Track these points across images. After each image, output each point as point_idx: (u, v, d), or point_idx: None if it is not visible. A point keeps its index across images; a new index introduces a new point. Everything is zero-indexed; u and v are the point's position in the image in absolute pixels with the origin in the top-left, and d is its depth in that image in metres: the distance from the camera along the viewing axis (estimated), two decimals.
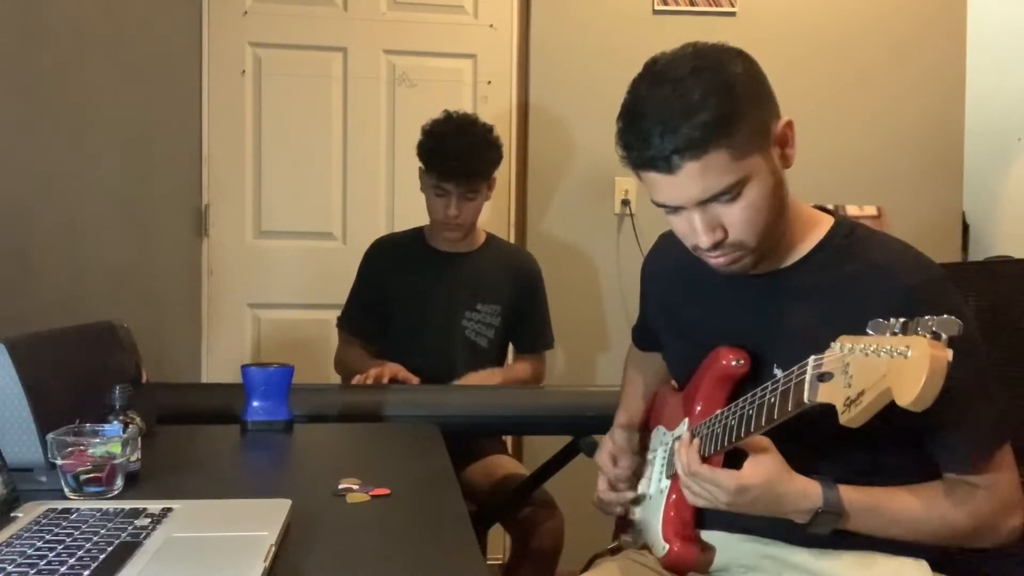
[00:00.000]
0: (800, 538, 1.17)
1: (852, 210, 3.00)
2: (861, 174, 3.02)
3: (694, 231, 1.13)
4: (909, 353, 0.83)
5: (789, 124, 1.14)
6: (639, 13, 2.94)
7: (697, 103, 1.05)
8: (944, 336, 0.84)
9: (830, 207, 1.27)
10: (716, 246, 1.13)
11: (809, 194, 1.23)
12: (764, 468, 1.09)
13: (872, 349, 0.87)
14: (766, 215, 1.12)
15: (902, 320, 0.87)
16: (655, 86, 1.09)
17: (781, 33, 2.96)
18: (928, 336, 0.84)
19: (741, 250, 1.14)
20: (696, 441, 1.16)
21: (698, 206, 1.11)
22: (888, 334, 0.87)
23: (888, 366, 0.84)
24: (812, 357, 0.96)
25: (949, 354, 0.83)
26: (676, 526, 1.24)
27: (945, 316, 0.85)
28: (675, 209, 1.14)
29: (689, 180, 1.08)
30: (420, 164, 2.23)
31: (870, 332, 0.89)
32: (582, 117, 2.92)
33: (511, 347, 2.41)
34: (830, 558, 1.16)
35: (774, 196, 1.12)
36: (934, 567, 1.16)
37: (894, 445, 1.13)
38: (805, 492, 1.10)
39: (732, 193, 1.09)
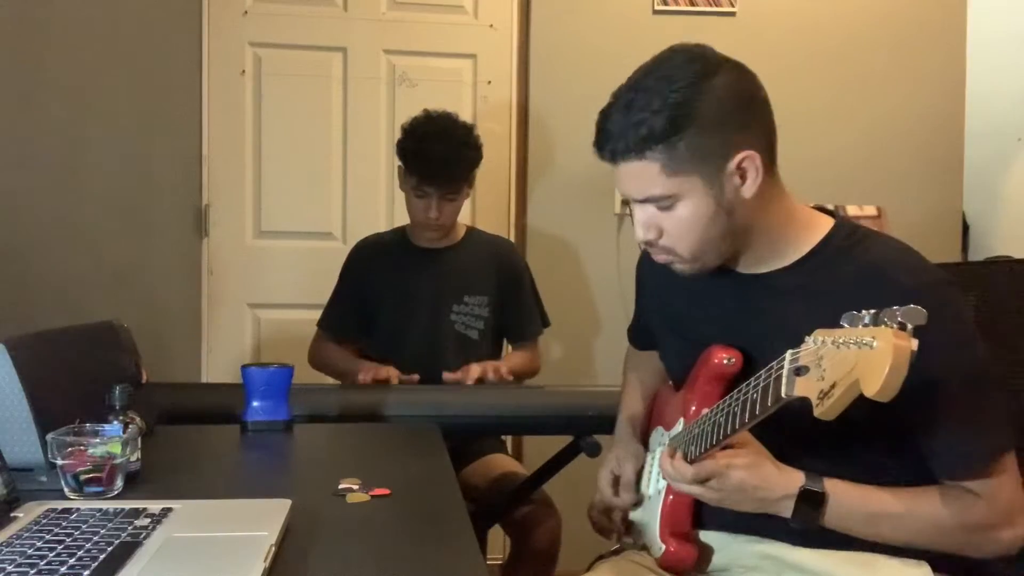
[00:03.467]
0: (800, 538, 1.16)
1: (852, 210, 3.00)
2: (861, 174, 3.02)
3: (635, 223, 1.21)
4: (875, 344, 0.83)
5: (749, 158, 1.13)
6: (639, 13, 2.94)
7: (647, 115, 1.12)
8: (909, 326, 0.84)
9: (830, 207, 1.27)
10: (649, 244, 1.21)
11: (809, 194, 1.24)
12: (748, 450, 1.12)
13: (843, 341, 0.88)
14: (699, 235, 1.17)
15: (872, 312, 0.88)
16: (632, 84, 1.16)
17: (781, 33, 2.96)
18: (894, 326, 0.84)
19: (672, 255, 1.20)
20: (679, 454, 1.17)
21: (638, 203, 1.19)
22: (860, 326, 0.88)
23: (857, 357, 0.85)
24: (789, 351, 0.97)
25: (914, 344, 0.83)
26: (673, 526, 1.25)
27: (911, 306, 0.85)
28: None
29: (623, 177, 1.18)
30: (399, 162, 2.23)
31: (844, 324, 0.90)
32: (582, 117, 2.87)
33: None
34: (831, 559, 1.16)
35: (713, 220, 1.15)
36: (935, 569, 1.15)
37: (894, 448, 1.13)
38: (789, 476, 1.12)
39: (662, 204, 1.16)
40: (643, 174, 1.14)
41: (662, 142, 1.11)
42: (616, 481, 1.38)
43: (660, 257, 1.22)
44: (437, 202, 2.17)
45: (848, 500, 1.11)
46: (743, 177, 1.14)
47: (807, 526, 1.12)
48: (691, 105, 1.11)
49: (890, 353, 0.81)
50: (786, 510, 1.11)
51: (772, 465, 1.12)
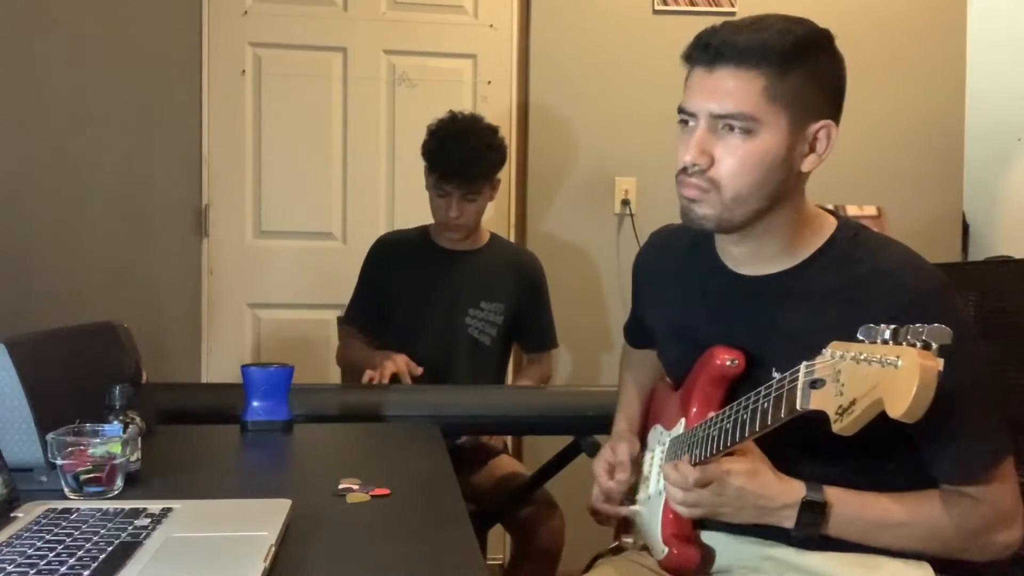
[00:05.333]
0: (802, 541, 1.16)
1: (852, 210, 3.00)
2: (861, 174, 3.02)
3: (686, 146, 1.13)
4: (899, 363, 0.82)
5: (828, 131, 1.14)
6: (639, 13, 2.94)
7: (772, 31, 1.09)
8: (934, 345, 0.83)
9: (830, 207, 1.26)
10: (696, 172, 1.12)
11: (809, 194, 1.23)
12: (749, 458, 1.12)
13: (863, 357, 0.86)
14: (756, 178, 1.12)
15: (892, 327, 0.86)
16: (750, 17, 1.14)
17: None
18: (918, 345, 0.83)
19: (713, 191, 1.13)
20: (684, 466, 1.15)
21: (707, 121, 1.12)
22: (879, 341, 0.87)
23: (879, 376, 0.84)
24: (804, 363, 0.96)
25: (940, 364, 0.82)
26: (675, 528, 1.24)
27: (936, 325, 0.84)
28: (686, 120, 1.15)
29: (716, 85, 1.10)
30: (424, 163, 2.23)
31: (861, 338, 0.89)
32: (582, 117, 2.92)
33: (514, 347, 2.42)
34: (833, 561, 1.15)
35: (774, 169, 1.12)
36: (937, 569, 1.15)
37: (893, 451, 1.13)
38: (789, 485, 1.11)
39: (744, 125, 1.10)
40: (743, 86, 1.09)
41: (778, 64, 1.08)
42: (612, 468, 1.38)
43: (691, 192, 1.14)
44: (457, 202, 2.17)
45: (849, 509, 1.11)
46: (813, 147, 1.14)
47: (809, 535, 1.11)
48: (816, 48, 1.12)
49: (917, 374, 0.80)
50: (787, 520, 1.11)
51: (772, 474, 1.12)
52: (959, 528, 1.11)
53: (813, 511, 1.10)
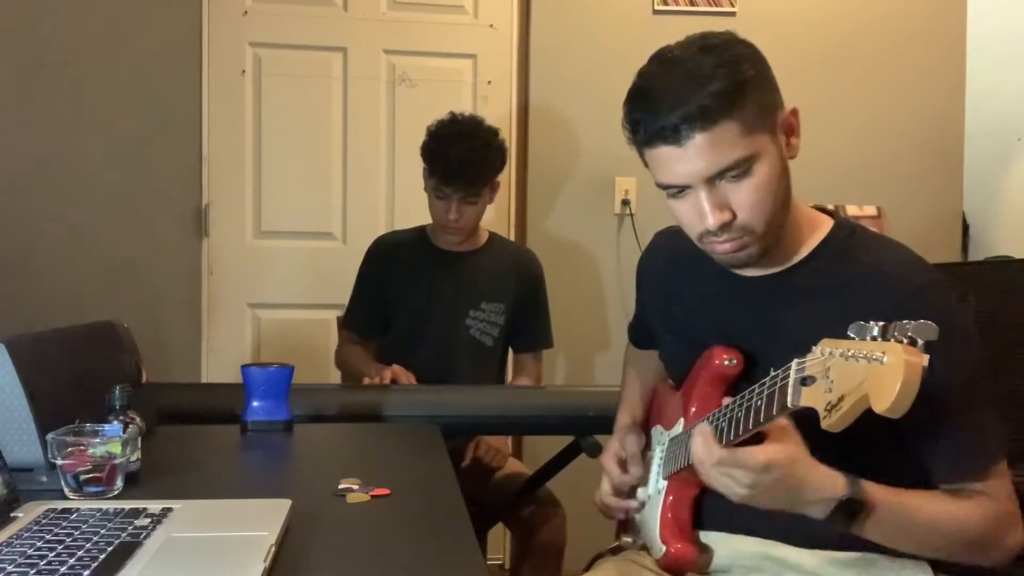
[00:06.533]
0: (800, 539, 1.16)
1: (852, 210, 3.00)
2: (861, 174, 3.03)
3: (701, 213, 1.12)
4: (885, 359, 0.82)
5: (794, 112, 1.16)
6: (639, 13, 2.95)
7: (708, 74, 1.07)
8: (920, 342, 0.83)
9: (830, 207, 1.27)
10: (723, 229, 1.12)
11: (809, 194, 1.23)
12: (788, 446, 1.03)
13: (851, 354, 0.87)
14: (774, 198, 1.12)
15: (881, 324, 0.86)
16: (664, 64, 1.12)
17: (781, 33, 2.96)
18: (904, 341, 0.83)
19: (749, 235, 1.13)
20: (710, 430, 1.09)
21: (705, 184, 1.11)
22: (868, 338, 0.87)
23: (866, 372, 0.84)
24: (795, 360, 0.95)
25: (925, 360, 0.82)
26: (673, 527, 1.24)
27: (922, 321, 0.84)
28: (680, 191, 1.14)
29: (697, 153, 1.08)
30: (424, 165, 2.22)
31: (851, 335, 0.89)
32: (582, 117, 2.92)
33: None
34: (831, 559, 1.16)
35: (781, 180, 1.13)
36: (936, 569, 1.15)
37: (893, 448, 1.13)
38: (829, 479, 1.04)
39: (740, 169, 1.09)
40: (722, 140, 1.08)
41: (736, 100, 1.07)
42: (622, 462, 1.36)
43: (726, 246, 1.14)
44: (457, 204, 2.15)
45: (888, 506, 1.06)
46: (790, 131, 1.15)
47: (837, 530, 1.07)
48: (745, 59, 1.11)
49: (901, 370, 0.80)
50: (819, 513, 1.05)
51: (811, 464, 1.05)
52: (982, 524, 1.09)
53: (849, 510, 1.04)
